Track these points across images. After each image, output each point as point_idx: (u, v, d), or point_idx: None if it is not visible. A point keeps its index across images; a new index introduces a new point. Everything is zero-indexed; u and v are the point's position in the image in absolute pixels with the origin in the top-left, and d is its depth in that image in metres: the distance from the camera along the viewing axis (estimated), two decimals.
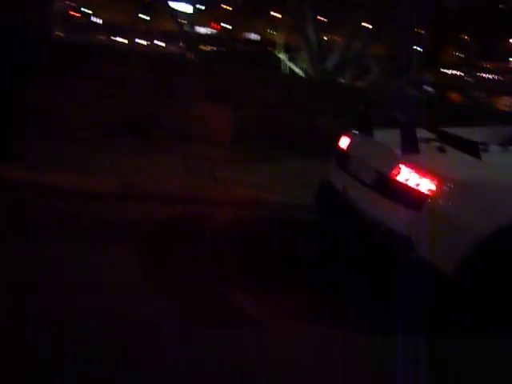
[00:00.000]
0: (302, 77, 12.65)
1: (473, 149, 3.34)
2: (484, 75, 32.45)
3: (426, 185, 3.28)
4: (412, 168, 3.40)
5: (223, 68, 9.07)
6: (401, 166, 3.47)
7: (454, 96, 22.70)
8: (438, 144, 3.71)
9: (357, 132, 4.39)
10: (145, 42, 31.65)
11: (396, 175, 3.47)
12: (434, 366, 2.92)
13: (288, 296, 3.57)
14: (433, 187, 3.25)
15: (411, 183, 3.36)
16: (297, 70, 13.37)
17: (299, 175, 6.18)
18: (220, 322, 3.17)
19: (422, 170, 3.35)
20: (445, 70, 27.99)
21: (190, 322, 3.10)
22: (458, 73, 30.75)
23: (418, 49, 13.95)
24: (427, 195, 3.26)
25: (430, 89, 19.19)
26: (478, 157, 3.32)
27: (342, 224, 4.03)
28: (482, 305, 3.29)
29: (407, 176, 3.40)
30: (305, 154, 6.85)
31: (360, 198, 3.79)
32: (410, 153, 3.54)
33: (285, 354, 2.91)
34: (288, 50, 14.08)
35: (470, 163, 3.37)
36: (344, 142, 4.42)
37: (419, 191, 3.30)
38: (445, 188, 3.26)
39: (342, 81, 12.26)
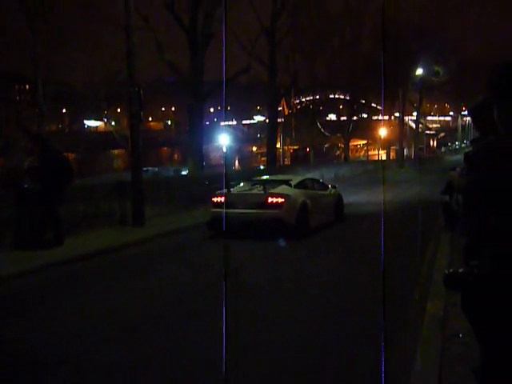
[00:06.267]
0: None
1: (286, 183, 10.38)
2: None
3: (280, 199, 10.00)
4: (272, 196, 10.04)
5: None
6: (268, 196, 10.06)
7: None
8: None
9: (225, 190, 10.59)
10: None
11: (268, 199, 10.03)
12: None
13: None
14: (282, 199, 9.99)
15: (275, 200, 10.00)
16: None
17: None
18: None
19: (276, 195, 10.06)
20: None
21: None
22: None
23: None
24: (282, 202, 9.99)
25: None
26: (291, 186, 10.35)
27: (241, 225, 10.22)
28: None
29: (272, 199, 10.03)
30: None
31: (248, 213, 10.13)
32: (267, 192, 10.17)
33: None
34: None
35: (287, 188, 10.37)
36: (218, 198, 10.54)
37: (280, 201, 9.99)
38: (287, 198, 10.06)
39: None
